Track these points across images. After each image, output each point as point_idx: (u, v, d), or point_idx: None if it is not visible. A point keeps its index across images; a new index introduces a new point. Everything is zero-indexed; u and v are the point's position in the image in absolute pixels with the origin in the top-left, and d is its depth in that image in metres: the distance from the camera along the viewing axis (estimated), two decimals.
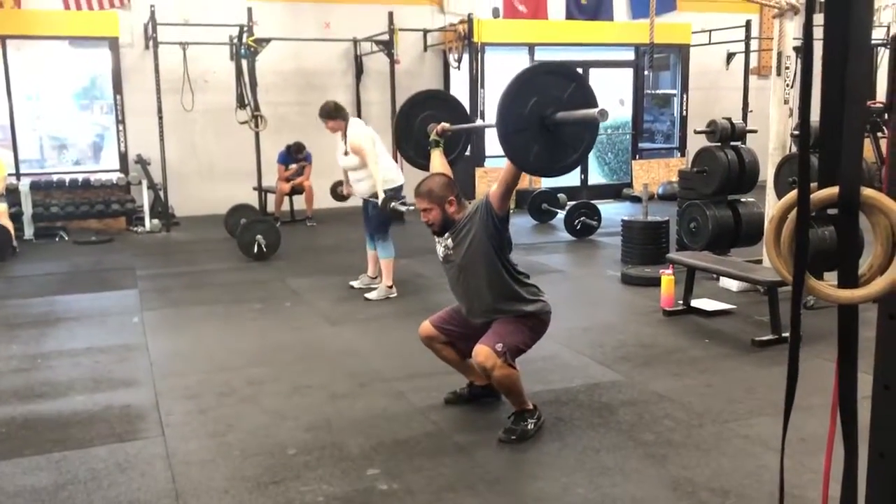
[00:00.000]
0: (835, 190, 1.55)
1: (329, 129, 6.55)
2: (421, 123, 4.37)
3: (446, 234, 3.81)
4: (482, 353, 3.58)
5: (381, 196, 6.17)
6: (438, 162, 4.22)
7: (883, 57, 11.30)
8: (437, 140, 4.24)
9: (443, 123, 4.24)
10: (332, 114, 6.46)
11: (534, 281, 3.89)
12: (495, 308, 3.74)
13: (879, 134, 9.15)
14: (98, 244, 9.40)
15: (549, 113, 3.18)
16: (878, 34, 12.15)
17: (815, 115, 1.63)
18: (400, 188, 6.43)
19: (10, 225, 8.67)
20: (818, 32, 1.49)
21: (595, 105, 3.23)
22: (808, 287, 1.60)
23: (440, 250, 3.90)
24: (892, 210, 1.52)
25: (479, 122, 4.39)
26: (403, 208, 6.17)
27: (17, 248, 8.76)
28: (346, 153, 6.41)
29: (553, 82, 3.23)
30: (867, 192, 1.53)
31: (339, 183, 6.91)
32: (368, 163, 6.26)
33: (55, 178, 10.36)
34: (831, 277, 1.66)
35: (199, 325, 5.86)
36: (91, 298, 6.72)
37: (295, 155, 10.51)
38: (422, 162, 4.39)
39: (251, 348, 5.27)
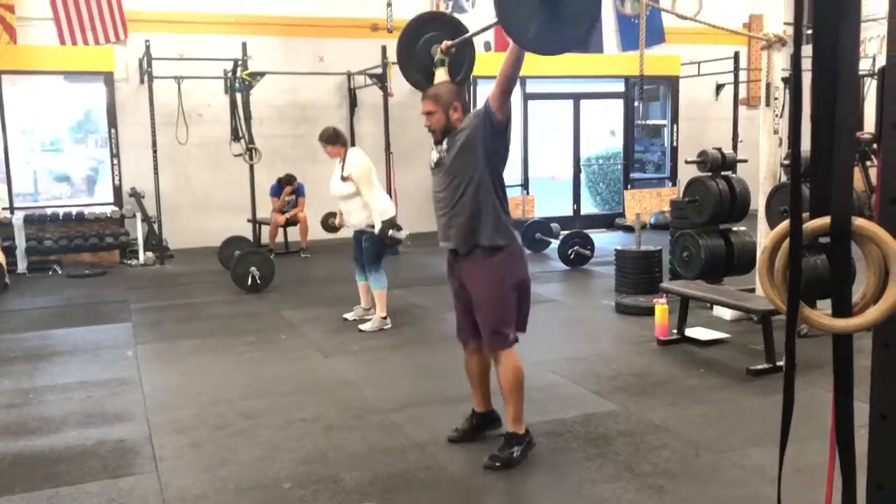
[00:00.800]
0: (827, 220, 1.57)
1: (328, 153, 6.53)
2: (424, 45, 4.22)
3: (444, 140, 3.75)
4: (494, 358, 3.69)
5: (378, 225, 6.17)
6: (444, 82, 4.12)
7: (870, 88, 11.45)
8: (442, 58, 4.12)
9: (445, 41, 4.11)
10: (332, 139, 6.47)
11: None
12: (470, 229, 3.65)
13: (868, 163, 9.25)
14: (91, 277, 9.37)
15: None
16: (864, 65, 12.32)
17: (804, 146, 1.65)
18: (394, 218, 6.45)
19: (2, 259, 8.65)
20: (806, 64, 1.52)
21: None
22: (803, 316, 1.61)
23: (434, 156, 3.82)
24: (884, 239, 1.54)
25: (476, 30, 4.24)
26: (401, 235, 6.17)
27: (10, 282, 8.73)
28: (342, 178, 6.39)
29: (428, 28, 3.12)
30: (859, 221, 1.55)
31: (332, 214, 6.92)
32: (364, 192, 6.26)
33: (49, 211, 10.36)
34: (824, 306, 1.67)
35: (192, 359, 5.83)
36: (84, 332, 6.68)
37: (285, 186, 10.52)
38: (427, 84, 4.26)
39: (245, 381, 5.24)
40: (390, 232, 6.09)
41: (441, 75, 4.14)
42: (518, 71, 3.46)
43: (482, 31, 4.39)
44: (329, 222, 6.95)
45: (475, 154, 3.62)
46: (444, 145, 3.75)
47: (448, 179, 3.72)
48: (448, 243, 3.78)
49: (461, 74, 4.32)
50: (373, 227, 6.28)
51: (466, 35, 4.20)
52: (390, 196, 10.89)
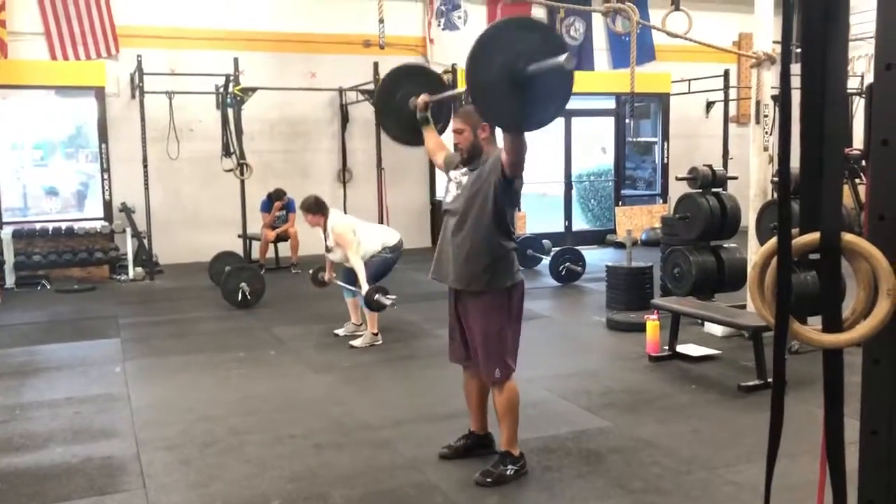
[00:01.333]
0: (816, 235, 1.58)
1: (308, 222, 6.69)
2: (401, 99, 4.22)
3: (465, 170, 3.75)
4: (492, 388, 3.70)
5: (366, 288, 6.21)
6: (433, 140, 4.14)
7: (858, 106, 11.55)
8: (426, 117, 4.12)
9: (423, 96, 4.09)
10: (313, 209, 6.56)
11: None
12: (473, 267, 3.65)
13: (857, 180, 9.31)
14: (80, 292, 9.31)
15: (518, 68, 3.03)
16: (852, 83, 12.44)
17: (793, 163, 1.66)
18: (397, 245, 6.60)
19: None
20: (794, 82, 1.53)
21: (564, 51, 3.05)
22: (793, 332, 1.61)
23: (451, 186, 3.82)
24: (873, 255, 1.54)
25: (455, 90, 4.24)
26: (388, 302, 6.15)
27: None
28: (331, 248, 6.57)
29: (518, 36, 3.07)
30: (848, 237, 1.56)
31: (321, 269, 6.97)
32: (349, 254, 6.36)
33: (38, 226, 10.30)
34: (814, 322, 1.67)
35: (181, 375, 5.78)
36: (72, 348, 6.63)
37: (275, 202, 10.51)
38: (406, 138, 4.30)
39: (234, 397, 5.20)
40: (377, 296, 6.10)
41: (429, 135, 4.17)
42: (520, 153, 3.53)
43: (457, 94, 4.42)
44: (318, 276, 6.99)
45: (489, 195, 3.62)
46: (466, 175, 3.75)
47: (460, 214, 3.73)
48: (449, 280, 3.77)
49: (442, 123, 4.35)
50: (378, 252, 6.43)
51: (444, 95, 4.24)
52: (381, 215, 10.92)
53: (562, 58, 2.91)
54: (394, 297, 6.17)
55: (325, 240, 6.59)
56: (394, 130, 4.36)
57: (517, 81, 3.06)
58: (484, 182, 3.64)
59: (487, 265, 3.64)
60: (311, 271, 7.11)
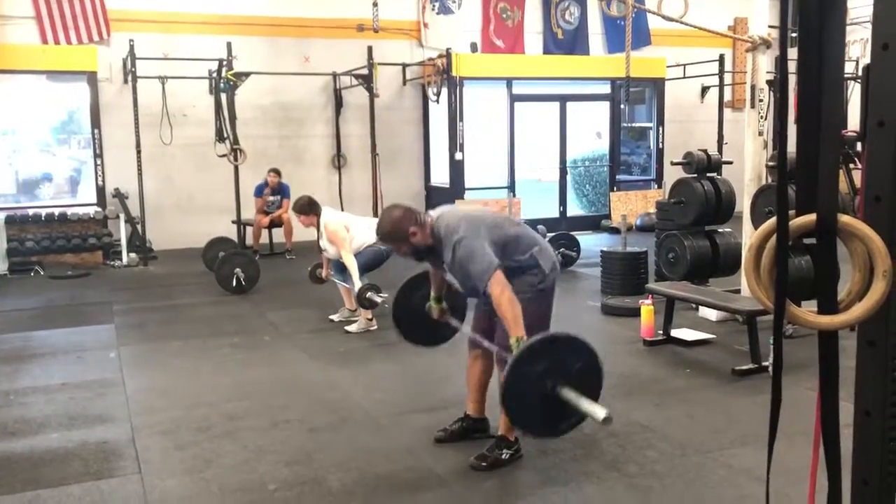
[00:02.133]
0: (812, 217, 1.57)
1: (301, 223, 6.72)
2: (418, 303, 4.20)
3: (432, 258, 3.75)
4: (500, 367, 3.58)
5: (358, 285, 6.20)
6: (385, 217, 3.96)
7: (853, 90, 11.54)
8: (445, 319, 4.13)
9: (436, 311, 4.07)
10: (306, 209, 6.57)
11: None
12: None
13: (851, 165, 9.32)
14: (74, 279, 9.29)
15: (555, 383, 3.10)
16: (848, 68, 12.43)
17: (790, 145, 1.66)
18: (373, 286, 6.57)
19: None
20: (792, 66, 1.52)
21: (599, 389, 3.20)
22: (789, 314, 1.61)
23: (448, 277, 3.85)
24: (869, 236, 1.54)
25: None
26: (379, 300, 6.13)
27: None
28: (325, 247, 6.59)
29: (566, 354, 3.16)
30: (844, 218, 1.55)
31: (319, 265, 6.97)
32: (342, 253, 6.35)
33: (31, 212, 10.26)
34: (809, 307, 1.67)
35: (176, 360, 5.78)
36: (66, 334, 6.62)
37: (268, 184, 10.47)
38: (422, 340, 4.33)
39: (229, 383, 5.20)
40: (368, 294, 6.09)
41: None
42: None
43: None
44: (317, 273, 7.00)
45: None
46: (442, 263, 3.72)
47: (465, 285, 3.72)
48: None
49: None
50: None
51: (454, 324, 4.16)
52: (376, 201, 10.90)
53: (602, 414, 2.95)
54: (385, 295, 6.15)
55: (319, 238, 6.60)
56: (414, 337, 4.32)
57: (548, 391, 3.10)
58: (452, 266, 3.62)
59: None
60: (308, 269, 7.12)
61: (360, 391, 4.97)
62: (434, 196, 12.69)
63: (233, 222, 10.09)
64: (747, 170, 6.31)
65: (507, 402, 3.12)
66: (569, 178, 13.18)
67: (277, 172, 10.51)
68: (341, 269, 6.60)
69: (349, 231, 6.45)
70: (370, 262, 6.50)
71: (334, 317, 6.83)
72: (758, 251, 1.64)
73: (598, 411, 2.97)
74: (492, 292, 3.42)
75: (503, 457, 3.71)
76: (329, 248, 6.56)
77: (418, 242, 3.65)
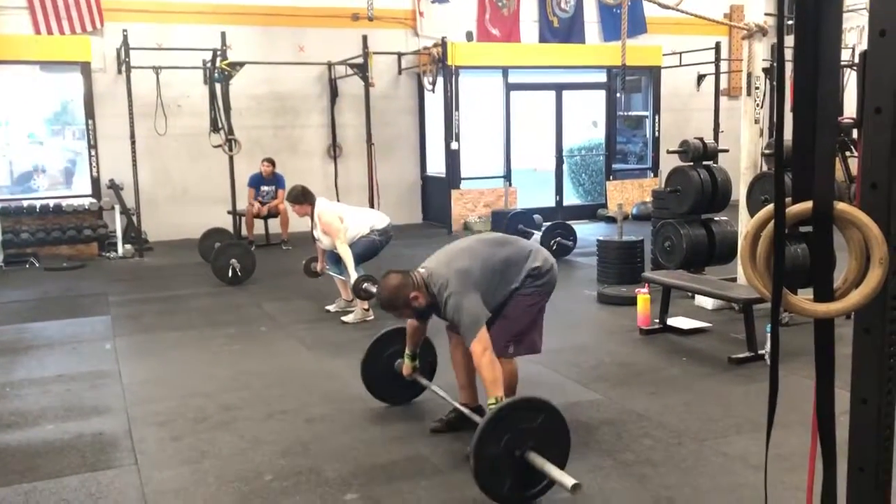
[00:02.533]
0: (809, 204, 1.57)
1: (295, 212, 6.71)
2: (387, 361, 4.36)
3: (440, 315, 3.82)
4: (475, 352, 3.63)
5: (354, 276, 6.19)
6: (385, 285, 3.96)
7: (849, 78, 11.52)
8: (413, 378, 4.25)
9: (406, 368, 4.20)
10: (300, 199, 6.56)
11: None
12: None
13: (847, 153, 9.32)
14: (69, 270, 9.26)
15: (523, 449, 3.16)
16: (844, 55, 12.40)
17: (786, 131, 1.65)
18: (386, 229, 6.57)
19: None
20: (788, 53, 1.51)
21: (567, 438, 3.29)
22: (785, 302, 1.61)
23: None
24: (865, 223, 1.54)
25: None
26: (375, 290, 6.13)
27: None
28: (318, 237, 6.57)
29: (524, 416, 3.21)
30: (840, 205, 1.55)
31: (313, 259, 6.95)
32: (336, 243, 6.33)
33: (26, 203, 10.21)
34: (805, 295, 1.67)
35: (172, 351, 5.77)
36: (62, 325, 6.60)
37: (267, 171, 10.44)
38: (392, 399, 4.43)
39: (226, 373, 5.20)
40: (364, 284, 6.09)
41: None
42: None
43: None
44: (311, 267, 6.99)
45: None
46: (438, 315, 3.83)
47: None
48: None
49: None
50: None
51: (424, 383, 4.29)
52: (372, 191, 10.90)
53: (570, 483, 2.99)
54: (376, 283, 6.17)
55: (313, 228, 6.58)
56: (379, 392, 4.43)
57: (516, 457, 3.16)
58: (452, 320, 3.70)
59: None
60: (303, 262, 7.10)
61: (357, 381, 4.94)
62: (430, 185, 12.67)
63: (228, 213, 10.06)
64: (743, 158, 6.31)
65: (477, 470, 3.15)
66: (565, 167, 13.16)
67: (271, 162, 10.49)
68: (336, 260, 6.59)
69: (343, 222, 6.44)
70: (365, 253, 6.50)
71: (331, 307, 6.83)
72: (754, 239, 1.64)
73: (566, 480, 3.02)
74: (474, 350, 3.53)
75: None
76: (323, 239, 6.55)
77: (419, 305, 3.73)
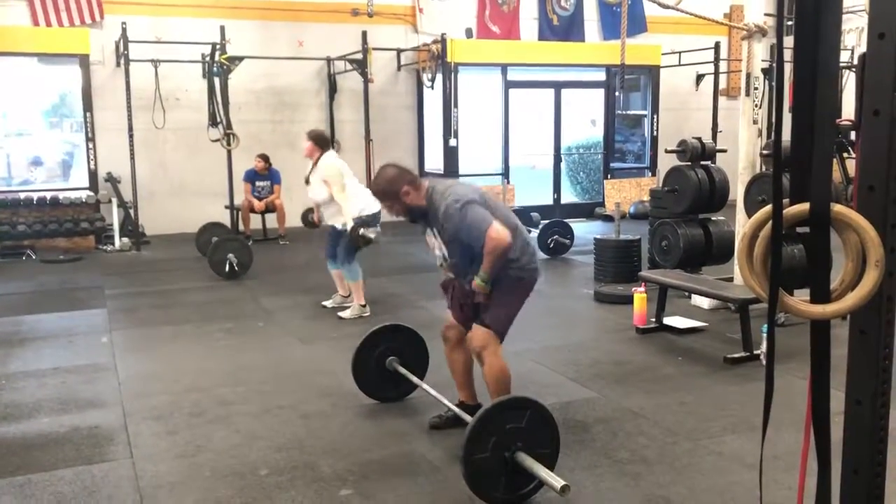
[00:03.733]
0: (806, 206, 1.57)
1: (306, 152, 6.59)
2: (377, 361, 4.37)
3: (429, 231, 3.79)
4: (476, 337, 3.68)
5: (350, 223, 6.17)
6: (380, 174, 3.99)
7: (848, 80, 11.53)
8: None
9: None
10: (318, 141, 6.50)
11: None
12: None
13: (845, 154, 9.33)
14: (66, 263, 9.25)
15: (512, 449, 3.16)
16: (842, 57, 12.41)
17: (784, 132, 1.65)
18: (376, 215, 6.46)
19: None
20: (787, 55, 1.52)
21: (556, 434, 3.29)
22: (782, 303, 1.61)
23: (429, 241, 3.86)
24: (862, 226, 1.54)
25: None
26: (372, 234, 6.15)
27: None
28: (311, 182, 6.48)
29: (510, 416, 3.21)
30: (838, 207, 1.55)
31: (310, 210, 6.89)
32: (334, 191, 6.28)
33: (23, 195, 10.19)
34: (801, 296, 1.67)
35: (168, 345, 5.77)
36: (58, 318, 6.60)
37: (260, 167, 10.42)
38: (389, 396, 4.43)
39: (222, 368, 5.20)
40: (361, 231, 6.09)
41: None
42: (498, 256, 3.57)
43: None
44: (308, 218, 6.93)
45: (467, 243, 3.63)
46: (430, 230, 3.80)
47: (454, 254, 3.76)
48: (466, 283, 3.77)
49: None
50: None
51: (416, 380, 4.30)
52: (370, 186, 10.82)
53: (559, 485, 2.99)
54: (377, 229, 6.17)
55: (310, 174, 6.48)
56: (367, 388, 4.44)
57: (507, 459, 3.16)
58: (454, 237, 3.65)
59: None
60: (301, 213, 7.01)
61: (352, 377, 4.96)
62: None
63: (226, 207, 10.05)
64: (741, 158, 6.31)
65: (470, 483, 3.16)
66: (563, 165, 13.16)
67: (264, 158, 10.45)
68: (333, 255, 6.59)
69: (343, 178, 6.36)
70: (351, 248, 6.46)
71: (327, 303, 6.82)
72: (751, 240, 1.64)
73: (554, 482, 3.03)
74: (491, 235, 3.46)
75: None
76: (316, 188, 6.42)
77: (411, 202, 3.71)
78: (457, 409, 3.92)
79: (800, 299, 1.63)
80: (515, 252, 3.66)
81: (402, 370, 4.31)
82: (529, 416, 3.22)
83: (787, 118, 1.63)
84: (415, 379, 4.25)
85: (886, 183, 1.58)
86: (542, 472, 3.09)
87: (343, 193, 6.28)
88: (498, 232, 3.48)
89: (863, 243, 1.55)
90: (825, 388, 1.66)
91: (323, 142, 6.54)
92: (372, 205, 6.49)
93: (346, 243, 6.40)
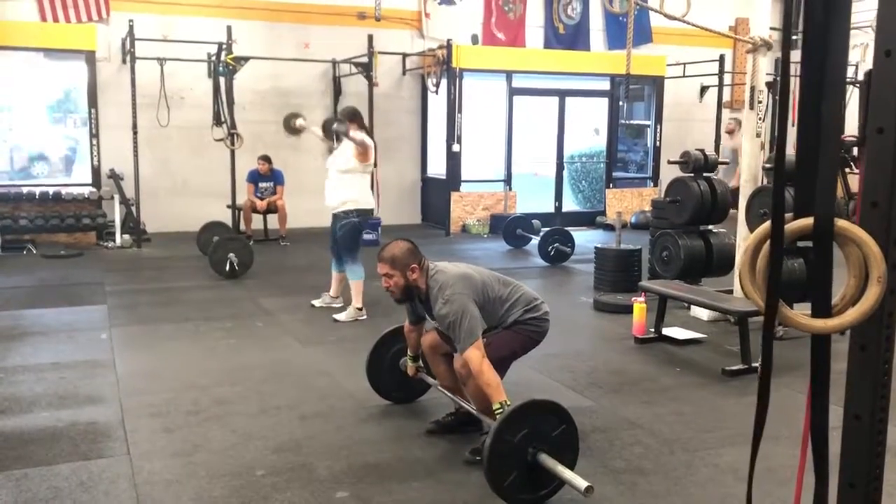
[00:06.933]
0: (809, 220, 1.58)
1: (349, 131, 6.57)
2: (392, 360, 4.37)
3: (420, 305, 3.86)
4: (458, 360, 3.66)
5: (353, 211, 6.31)
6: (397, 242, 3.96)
7: (851, 95, 11.56)
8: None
9: (411, 368, 4.22)
10: (351, 116, 6.50)
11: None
12: None
13: (847, 169, 9.35)
14: (67, 258, 9.26)
15: (537, 448, 3.20)
16: (847, 73, 12.43)
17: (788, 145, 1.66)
18: (369, 211, 6.56)
19: None
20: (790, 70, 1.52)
21: (574, 459, 3.29)
22: (782, 316, 1.62)
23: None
24: (865, 241, 1.55)
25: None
26: (341, 127, 6.24)
27: None
28: (344, 151, 6.45)
29: (545, 419, 3.26)
30: (841, 223, 1.56)
31: (295, 115, 6.83)
32: (364, 164, 6.33)
33: (25, 190, 10.21)
34: (802, 310, 1.68)
35: (167, 343, 5.77)
36: (58, 313, 6.60)
37: (261, 172, 10.43)
38: (398, 396, 4.44)
39: (220, 367, 5.20)
40: (335, 125, 6.22)
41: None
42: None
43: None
44: (291, 123, 6.88)
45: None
46: (428, 313, 3.86)
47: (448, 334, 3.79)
48: None
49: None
50: (347, 213, 6.40)
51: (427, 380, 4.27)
52: (372, 188, 10.90)
53: (583, 486, 3.02)
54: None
55: (335, 146, 6.57)
56: (394, 394, 4.45)
57: (528, 457, 3.20)
58: (446, 329, 3.69)
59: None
60: (284, 116, 6.94)
61: (351, 380, 4.97)
62: (430, 187, 12.68)
63: (228, 207, 10.06)
64: (743, 171, 6.32)
65: (490, 472, 3.18)
66: (565, 173, 13.18)
67: (267, 159, 10.46)
68: (339, 257, 6.61)
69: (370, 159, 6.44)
70: (352, 242, 6.51)
71: (316, 302, 6.86)
72: (754, 253, 1.65)
73: (579, 482, 3.05)
74: (471, 360, 3.52)
75: None
76: (342, 158, 6.42)
77: (413, 281, 3.73)
78: (465, 404, 3.90)
79: (801, 313, 1.64)
80: (521, 310, 3.80)
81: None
82: (564, 430, 3.29)
83: (791, 132, 1.64)
84: (429, 379, 4.21)
85: (890, 199, 1.59)
86: (566, 472, 3.13)
87: (363, 169, 6.34)
88: (473, 357, 3.51)
89: (865, 259, 1.56)
90: (824, 402, 1.66)
91: (355, 116, 6.52)
92: (369, 202, 6.57)
93: (345, 235, 6.46)
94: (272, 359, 5.43)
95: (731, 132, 11.54)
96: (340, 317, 6.46)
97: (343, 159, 6.45)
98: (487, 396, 3.50)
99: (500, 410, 3.37)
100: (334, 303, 6.72)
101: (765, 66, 6.28)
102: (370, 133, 6.64)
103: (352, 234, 6.46)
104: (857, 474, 1.69)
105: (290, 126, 6.88)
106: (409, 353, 4.19)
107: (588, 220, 12.98)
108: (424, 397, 4.49)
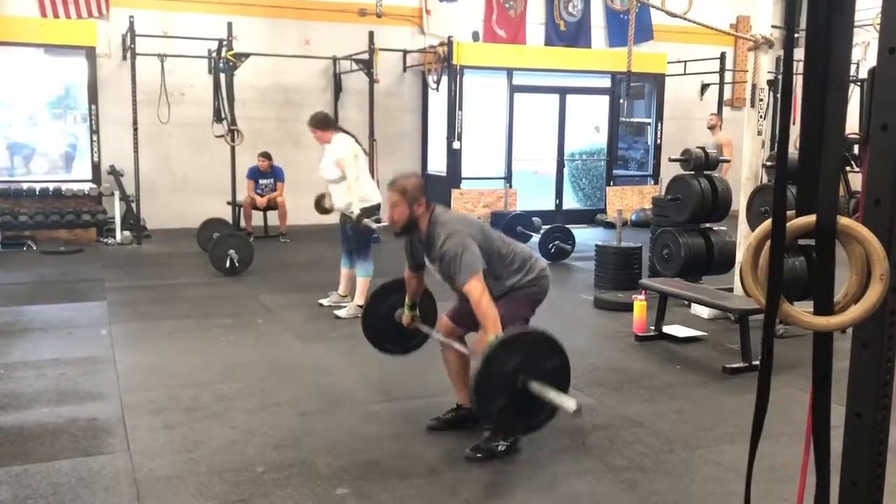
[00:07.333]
0: (812, 218, 1.58)
1: (316, 138, 6.58)
2: (388, 311, 4.31)
3: (419, 242, 3.83)
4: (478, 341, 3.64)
5: (357, 212, 6.18)
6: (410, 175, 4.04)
7: (853, 93, 11.55)
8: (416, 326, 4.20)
9: (406, 318, 4.15)
10: (321, 124, 6.48)
11: None
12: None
13: (848, 168, 9.34)
14: (67, 255, 9.26)
15: (525, 377, 3.23)
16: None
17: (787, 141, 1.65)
18: (376, 207, 6.45)
19: None
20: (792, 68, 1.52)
21: (566, 389, 3.32)
22: (784, 313, 1.61)
23: (430, 267, 3.88)
24: (868, 239, 1.55)
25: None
26: (375, 226, 6.19)
27: None
28: (328, 162, 6.44)
29: (538, 352, 3.29)
30: (844, 220, 1.56)
31: (323, 195, 6.85)
32: (348, 171, 6.25)
33: (25, 186, 10.20)
34: (805, 307, 1.68)
35: (168, 340, 5.77)
36: (58, 309, 6.60)
37: (261, 169, 10.41)
38: (392, 348, 4.40)
39: (221, 364, 5.20)
40: (365, 221, 6.10)
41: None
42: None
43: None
44: (322, 204, 6.85)
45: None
46: (426, 255, 3.83)
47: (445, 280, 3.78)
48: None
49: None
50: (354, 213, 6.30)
51: (424, 328, 4.22)
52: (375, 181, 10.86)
53: (573, 405, 3.08)
54: (381, 223, 6.20)
55: (323, 159, 6.52)
56: (383, 345, 4.40)
57: (517, 384, 3.23)
58: (446, 269, 3.68)
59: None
60: (314, 199, 6.95)
61: (351, 376, 4.98)
62: (430, 184, 12.64)
63: (228, 203, 10.07)
64: (744, 168, 6.32)
65: (477, 396, 3.21)
66: (566, 171, 13.17)
67: (266, 156, 10.44)
68: (349, 252, 6.61)
69: (357, 159, 6.37)
70: (363, 241, 6.49)
71: (324, 301, 6.83)
72: (756, 250, 1.64)
73: (568, 403, 3.08)
74: (471, 291, 3.53)
75: (499, 448, 3.71)
76: (327, 168, 6.41)
77: (415, 215, 3.74)
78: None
79: (803, 311, 1.63)
80: (518, 274, 3.79)
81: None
82: (556, 363, 3.34)
83: (793, 130, 1.63)
84: (425, 328, 4.17)
85: (893, 197, 1.58)
86: (555, 395, 3.17)
87: (355, 178, 6.27)
88: (474, 288, 3.52)
89: (868, 256, 1.55)
90: (826, 401, 1.66)
91: (325, 123, 6.51)
92: (372, 197, 6.52)
93: (356, 234, 6.45)
94: (272, 355, 5.43)
95: (712, 128, 11.52)
96: (341, 313, 6.46)
97: (328, 171, 6.44)
98: (483, 328, 3.53)
99: (494, 341, 3.40)
100: (342, 301, 6.70)
101: (766, 63, 6.27)
102: (348, 132, 6.60)
103: (364, 232, 6.48)
104: (859, 473, 1.68)
105: (322, 206, 6.87)
106: (406, 301, 4.13)
107: (588, 217, 12.97)
108: (424, 397, 4.49)
